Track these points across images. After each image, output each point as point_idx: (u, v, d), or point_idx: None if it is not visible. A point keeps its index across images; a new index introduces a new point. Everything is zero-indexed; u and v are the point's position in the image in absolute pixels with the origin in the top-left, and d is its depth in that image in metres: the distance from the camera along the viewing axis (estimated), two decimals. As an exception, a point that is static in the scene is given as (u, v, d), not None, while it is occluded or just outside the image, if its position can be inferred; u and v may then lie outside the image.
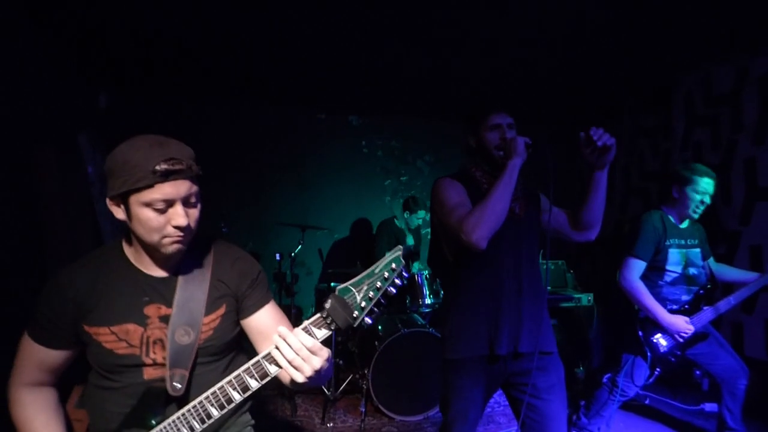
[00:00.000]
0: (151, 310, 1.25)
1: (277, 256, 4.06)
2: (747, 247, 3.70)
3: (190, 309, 1.26)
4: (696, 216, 2.72)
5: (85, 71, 4.13)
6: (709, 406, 3.45)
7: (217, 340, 1.31)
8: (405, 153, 5.74)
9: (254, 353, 1.23)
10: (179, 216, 1.16)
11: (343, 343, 4.16)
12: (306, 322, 1.17)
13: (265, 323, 1.37)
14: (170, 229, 1.17)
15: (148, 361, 1.23)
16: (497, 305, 1.80)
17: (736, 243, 3.77)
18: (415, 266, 4.74)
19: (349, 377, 3.78)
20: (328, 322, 1.15)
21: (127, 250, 1.29)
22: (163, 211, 1.15)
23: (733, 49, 3.74)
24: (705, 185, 2.63)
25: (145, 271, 1.28)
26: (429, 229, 5.79)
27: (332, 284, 4.15)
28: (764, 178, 3.58)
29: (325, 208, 5.39)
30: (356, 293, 1.16)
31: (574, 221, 1.93)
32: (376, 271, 1.18)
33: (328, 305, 1.14)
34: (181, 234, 1.18)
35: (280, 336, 1.13)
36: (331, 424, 3.38)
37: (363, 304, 1.16)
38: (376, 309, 1.17)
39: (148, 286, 1.26)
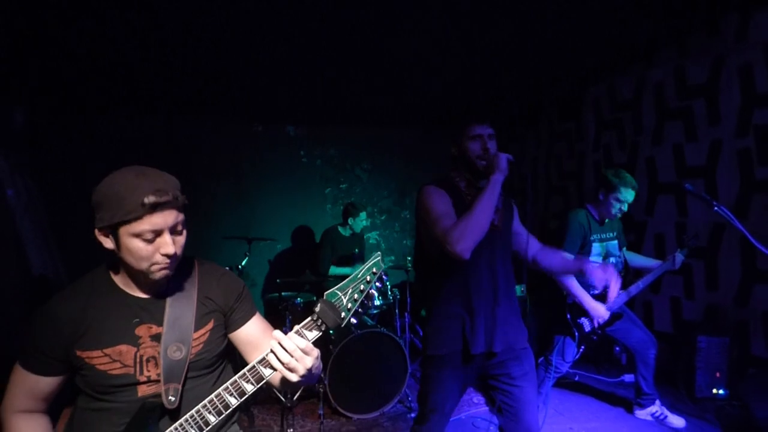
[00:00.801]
0: (142, 330, 1.30)
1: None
2: (652, 235, 4.22)
3: (180, 326, 1.33)
4: (616, 217, 3.16)
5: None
6: (628, 377, 3.91)
7: (207, 353, 1.39)
8: (343, 161, 5.90)
9: (242, 365, 1.33)
10: (167, 245, 1.23)
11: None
12: (297, 326, 1.29)
13: (254, 334, 1.47)
14: (159, 257, 1.23)
15: (143, 378, 1.29)
16: (474, 307, 1.94)
17: (643, 232, 4.28)
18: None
19: (305, 383, 3.88)
20: (319, 324, 1.28)
21: (114, 276, 1.34)
22: (152, 241, 1.21)
23: (632, 62, 4.27)
24: (627, 195, 3.02)
25: (133, 294, 1.33)
26: (372, 234, 6.01)
27: (284, 293, 4.24)
28: (663, 175, 4.11)
29: (267, 218, 5.43)
30: (342, 296, 1.31)
31: (534, 263, 2.19)
32: (359, 275, 1.33)
33: (318, 309, 1.27)
34: (169, 261, 1.25)
35: (275, 339, 1.25)
36: (291, 431, 3.46)
37: (349, 305, 1.31)
38: (360, 309, 1.33)
39: (138, 308, 1.32)
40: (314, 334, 1.29)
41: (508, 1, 2.99)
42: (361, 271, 1.33)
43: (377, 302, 4.04)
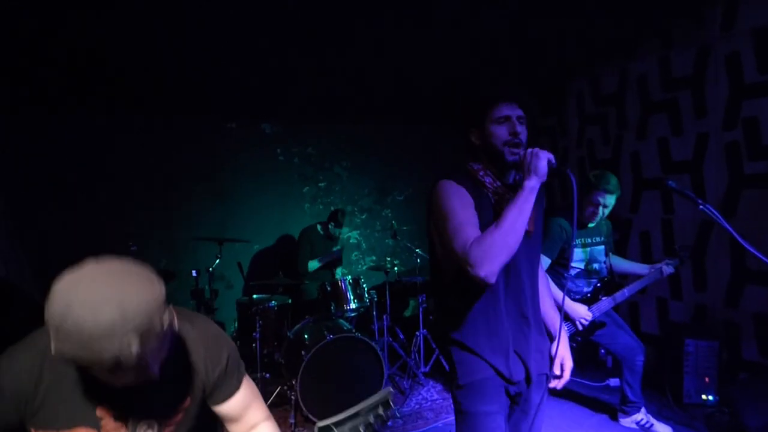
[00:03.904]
0: (103, 410, 1.13)
1: (194, 273, 3.89)
2: (637, 233, 4.08)
3: (152, 402, 1.16)
4: (595, 220, 2.91)
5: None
6: (614, 382, 3.76)
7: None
8: (322, 159, 5.72)
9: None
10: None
11: (269, 355, 4.07)
12: None
13: (237, 410, 1.30)
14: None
15: None
16: (505, 331, 1.62)
17: (628, 230, 4.15)
18: (339, 272, 4.74)
19: (277, 389, 3.72)
20: None
21: None
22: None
23: (615, 53, 4.13)
24: (603, 200, 2.80)
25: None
26: (352, 233, 5.83)
27: (255, 296, 4.05)
28: (647, 170, 3.97)
29: (243, 219, 5.23)
30: None
31: None
32: (361, 412, 1.13)
33: None
34: None
35: None
36: (260, 441, 3.28)
37: None
38: None
39: (100, 385, 1.10)
40: None
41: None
42: (364, 407, 1.12)
43: (353, 305, 3.88)
